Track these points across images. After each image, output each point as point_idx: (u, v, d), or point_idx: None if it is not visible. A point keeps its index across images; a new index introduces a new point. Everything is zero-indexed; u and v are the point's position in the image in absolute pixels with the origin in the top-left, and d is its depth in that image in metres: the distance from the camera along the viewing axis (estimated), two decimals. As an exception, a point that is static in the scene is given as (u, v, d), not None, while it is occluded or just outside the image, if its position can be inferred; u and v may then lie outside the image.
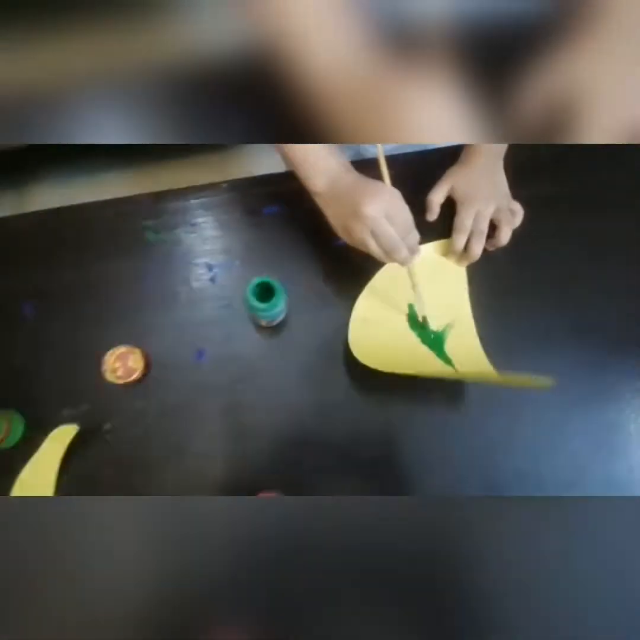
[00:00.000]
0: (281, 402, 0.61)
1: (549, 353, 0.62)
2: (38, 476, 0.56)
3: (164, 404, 0.61)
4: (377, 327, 0.62)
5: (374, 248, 0.53)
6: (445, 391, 0.61)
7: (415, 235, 0.55)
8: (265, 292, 0.58)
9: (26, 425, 0.59)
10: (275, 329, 0.64)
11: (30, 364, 0.62)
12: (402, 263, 0.55)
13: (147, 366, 0.62)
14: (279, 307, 0.58)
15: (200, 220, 0.68)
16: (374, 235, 0.52)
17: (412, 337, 0.63)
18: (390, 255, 0.54)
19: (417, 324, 0.63)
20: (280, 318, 0.62)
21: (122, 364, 0.61)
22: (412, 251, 0.55)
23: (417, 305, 0.62)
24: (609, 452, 0.59)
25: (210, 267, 0.66)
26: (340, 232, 0.56)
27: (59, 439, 0.56)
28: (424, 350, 0.63)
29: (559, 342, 0.62)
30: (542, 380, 0.47)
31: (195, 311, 0.64)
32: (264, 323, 0.62)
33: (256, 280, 0.56)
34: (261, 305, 0.56)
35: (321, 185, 0.55)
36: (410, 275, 0.59)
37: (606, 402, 0.61)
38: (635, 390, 0.61)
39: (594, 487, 0.58)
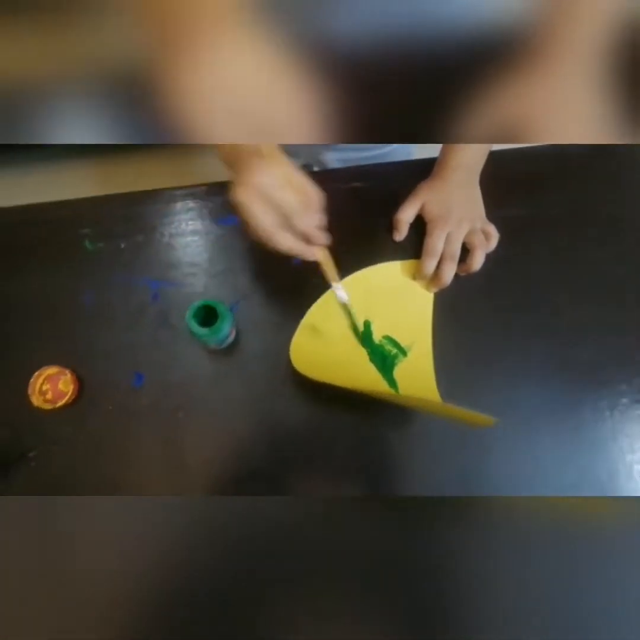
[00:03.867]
0: (226, 431, 0.56)
1: (515, 389, 0.58)
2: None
3: (96, 432, 0.56)
4: (325, 337, 0.58)
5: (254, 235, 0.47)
6: (396, 417, 0.57)
7: (313, 220, 0.48)
8: (208, 316, 0.53)
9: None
10: (223, 352, 0.59)
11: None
12: (292, 252, 0.48)
13: (79, 390, 0.56)
14: (223, 332, 0.53)
15: (146, 230, 0.62)
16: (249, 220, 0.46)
17: (361, 353, 0.59)
18: (269, 239, 0.46)
19: (370, 340, 0.59)
20: (229, 341, 0.57)
21: (51, 386, 0.55)
22: (307, 239, 0.48)
23: (352, 319, 0.58)
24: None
25: (153, 283, 0.60)
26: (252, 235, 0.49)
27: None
28: (371, 369, 0.59)
29: (526, 379, 0.58)
30: (484, 418, 0.44)
31: (134, 331, 0.58)
32: (211, 347, 0.57)
33: (197, 303, 0.51)
34: (203, 331, 0.51)
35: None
36: (328, 276, 0.54)
37: (578, 443, 0.57)
38: (609, 423, 0.58)
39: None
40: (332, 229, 0.50)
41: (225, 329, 0.53)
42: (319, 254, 0.51)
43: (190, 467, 0.55)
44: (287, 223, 0.46)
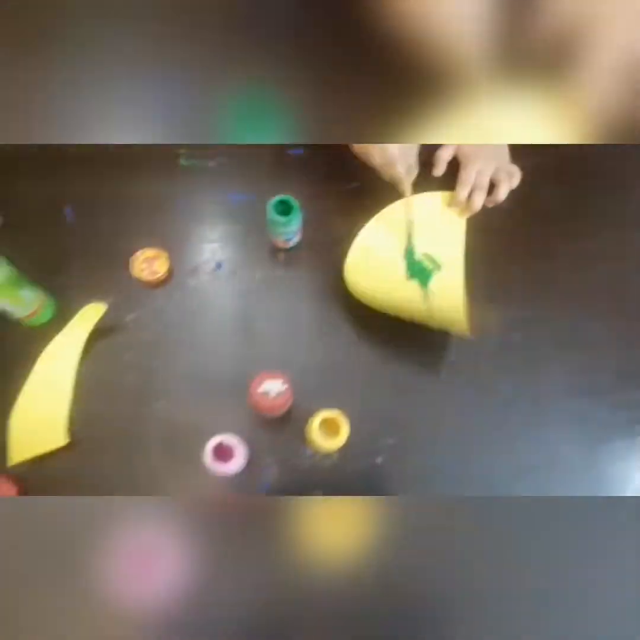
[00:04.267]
0: (286, 315, 0.68)
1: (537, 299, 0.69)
2: (64, 348, 0.62)
3: (181, 305, 0.67)
4: (375, 255, 0.69)
5: (377, 158, 0.62)
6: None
7: (413, 156, 0.64)
8: (284, 211, 0.65)
9: (56, 309, 0.65)
10: (286, 256, 0.71)
11: (66, 259, 0.68)
12: (396, 179, 0.63)
13: (171, 271, 0.68)
14: (294, 223, 0.65)
15: (230, 153, 0.76)
16: (379, 147, 0.61)
17: (403, 273, 0.70)
18: (389, 167, 0.62)
19: (412, 255, 0.70)
20: (295, 240, 0.69)
21: (148, 265, 0.68)
22: (408, 172, 0.64)
23: (410, 238, 0.69)
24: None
25: (234, 196, 0.73)
26: (355, 148, 0.65)
27: (87, 316, 0.62)
28: (411, 288, 0.69)
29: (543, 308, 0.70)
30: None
31: (218, 230, 0.71)
32: (280, 242, 0.69)
33: (277, 198, 0.64)
34: (281, 219, 0.63)
35: None
36: (407, 205, 0.67)
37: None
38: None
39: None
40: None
41: (296, 222, 0.65)
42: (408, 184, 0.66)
43: (255, 338, 0.66)
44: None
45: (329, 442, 0.56)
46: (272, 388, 0.55)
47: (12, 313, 0.60)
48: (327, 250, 0.70)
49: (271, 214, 0.63)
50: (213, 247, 0.71)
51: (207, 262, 0.70)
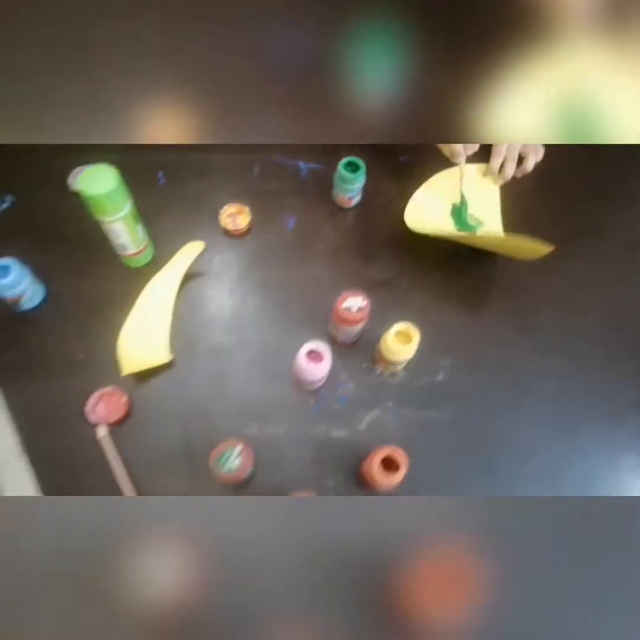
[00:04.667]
0: (353, 254, 0.79)
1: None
2: (167, 278, 0.71)
3: (259, 251, 0.78)
4: (428, 210, 0.81)
5: None
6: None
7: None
8: (352, 171, 0.76)
9: (155, 253, 0.76)
10: (348, 214, 0.82)
11: (160, 215, 0.79)
12: (455, 153, 0.76)
13: (251, 224, 0.79)
14: (360, 182, 0.77)
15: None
16: None
17: (451, 223, 0.82)
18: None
19: (457, 213, 0.82)
20: (357, 199, 0.81)
21: (232, 219, 0.78)
22: (466, 146, 0.77)
23: (462, 199, 0.81)
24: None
25: (303, 165, 0.86)
26: None
27: (188, 252, 0.72)
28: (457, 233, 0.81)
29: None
30: (543, 247, 0.65)
31: (291, 193, 0.83)
32: (345, 200, 0.80)
33: (347, 159, 0.76)
34: (349, 175, 0.75)
35: None
36: (461, 173, 0.79)
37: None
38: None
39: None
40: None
41: (361, 179, 0.77)
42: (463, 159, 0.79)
43: (324, 283, 0.76)
44: None
45: (403, 349, 0.65)
46: (354, 303, 0.65)
47: (126, 247, 0.70)
48: (383, 209, 0.82)
49: (341, 171, 0.75)
50: (287, 206, 0.82)
51: (280, 219, 0.81)
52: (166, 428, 0.66)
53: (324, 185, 0.82)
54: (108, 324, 0.70)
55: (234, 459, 0.58)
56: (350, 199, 0.80)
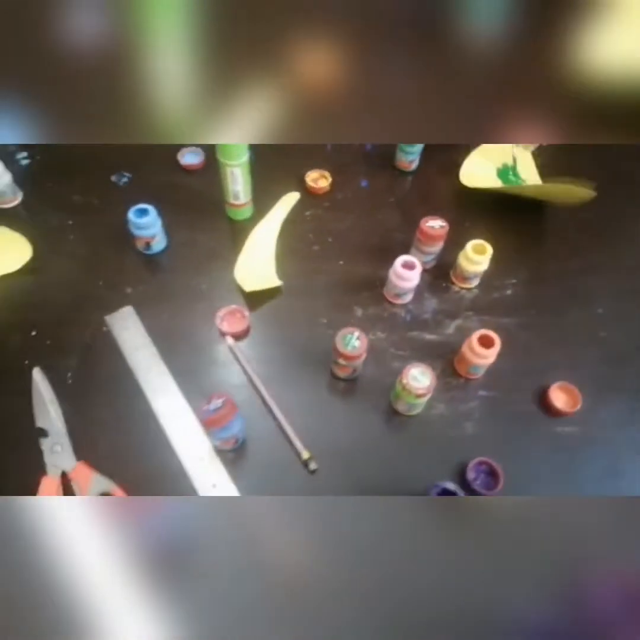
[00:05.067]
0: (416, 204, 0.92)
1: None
2: (271, 221, 0.84)
3: (340, 206, 0.92)
4: (478, 171, 0.96)
5: None
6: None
7: None
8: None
9: (254, 211, 0.89)
10: (408, 180, 0.97)
11: (255, 184, 0.93)
12: None
13: (332, 186, 0.93)
14: (418, 146, 0.92)
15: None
16: None
17: (499, 182, 0.96)
18: None
19: (504, 173, 0.97)
20: (416, 164, 0.96)
21: (314, 183, 0.93)
22: None
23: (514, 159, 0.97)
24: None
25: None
26: None
27: (287, 200, 0.85)
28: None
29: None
30: (587, 190, 0.79)
31: (360, 162, 0.98)
32: (405, 164, 0.95)
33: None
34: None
35: None
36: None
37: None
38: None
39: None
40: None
41: (419, 146, 0.92)
42: None
43: (397, 226, 0.89)
44: None
45: (480, 259, 0.77)
46: (435, 223, 0.78)
47: (238, 196, 0.83)
48: (440, 171, 0.97)
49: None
50: (359, 172, 0.97)
51: (355, 181, 0.95)
52: (281, 343, 0.76)
53: (386, 156, 0.98)
54: (222, 263, 0.82)
55: (355, 341, 0.68)
56: (411, 162, 0.95)
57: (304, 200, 0.92)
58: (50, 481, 0.62)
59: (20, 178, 0.89)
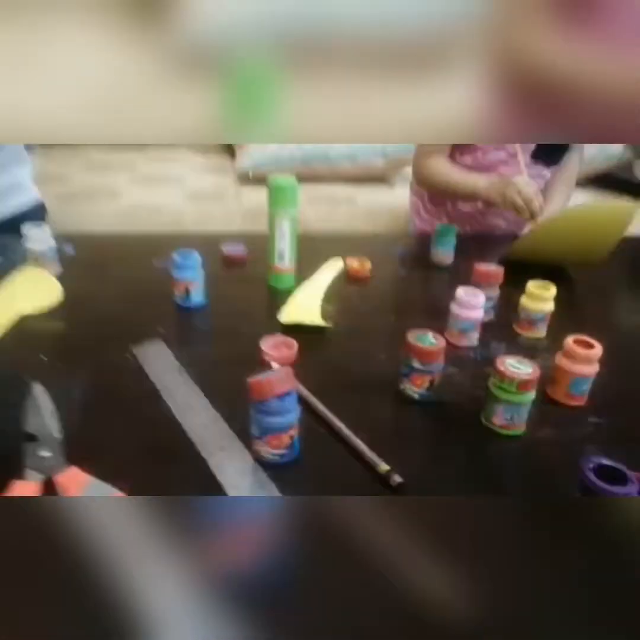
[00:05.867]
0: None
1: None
2: (314, 281, 0.80)
3: (378, 288, 0.90)
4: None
5: (519, 202, 0.97)
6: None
7: (541, 198, 0.99)
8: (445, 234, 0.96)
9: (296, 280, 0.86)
10: (447, 268, 0.98)
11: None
12: (534, 212, 0.97)
13: (371, 271, 0.93)
14: (453, 239, 0.96)
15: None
16: (519, 193, 0.97)
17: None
18: (528, 205, 0.97)
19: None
20: (451, 259, 0.98)
21: (354, 266, 0.93)
22: (540, 207, 0.98)
23: None
24: None
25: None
26: (499, 203, 1.01)
27: (330, 266, 0.83)
28: None
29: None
30: (628, 207, 0.82)
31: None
32: (445, 257, 0.97)
33: (440, 225, 0.96)
34: (446, 230, 0.94)
35: (483, 184, 1.05)
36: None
37: None
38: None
39: None
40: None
41: (453, 238, 0.96)
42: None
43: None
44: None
45: (545, 295, 0.72)
46: (490, 266, 0.75)
47: (283, 256, 0.81)
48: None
49: (439, 229, 0.95)
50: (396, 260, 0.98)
51: (393, 268, 0.96)
52: (334, 371, 0.65)
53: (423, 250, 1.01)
54: (262, 320, 0.76)
55: (431, 338, 0.57)
56: (446, 255, 0.97)
57: (342, 278, 0.90)
58: (24, 487, 0.43)
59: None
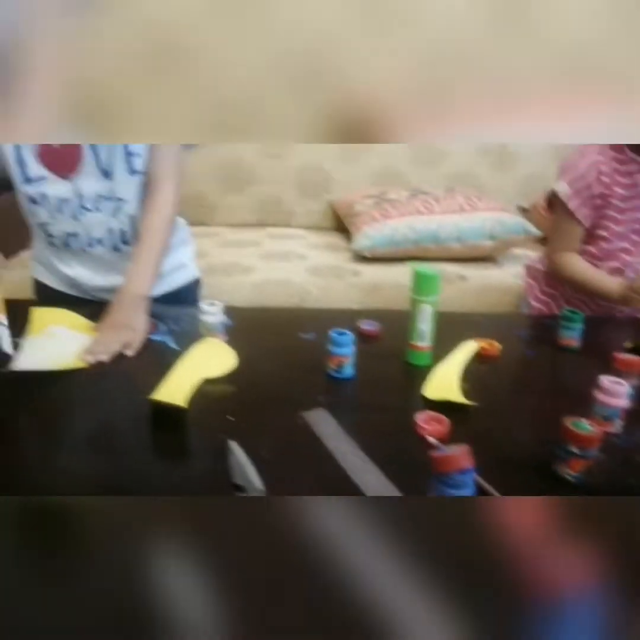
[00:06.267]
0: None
1: None
2: (452, 358, 0.87)
3: (507, 368, 0.94)
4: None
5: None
6: None
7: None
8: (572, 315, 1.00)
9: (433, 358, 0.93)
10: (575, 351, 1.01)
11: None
12: None
13: (500, 351, 0.98)
14: (580, 324, 0.99)
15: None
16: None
17: None
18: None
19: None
20: (578, 341, 1.01)
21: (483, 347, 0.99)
22: None
23: None
24: None
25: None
26: (633, 303, 1.09)
27: (465, 348, 0.90)
28: None
29: None
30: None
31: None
32: (572, 341, 1.01)
33: (566, 308, 1.01)
34: (573, 316, 0.99)
35: (615, 288, 1.12)
36: None
37: None
38: None
39: None
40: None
41: (581, 322, 0.99)
42: None
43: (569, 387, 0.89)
44: None
45: None
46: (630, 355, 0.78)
47: (423, 336, 0.90)
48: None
49: (565, 313, 0.99)
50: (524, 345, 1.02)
51: (522, 350, 1.00)
52: (481, 448, 0.70)
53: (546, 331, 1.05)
54: (400, 397, 0.83)
55: (588, 426, 0.61)
56: (573, 338, 1.01)
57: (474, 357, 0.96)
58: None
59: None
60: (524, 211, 2.33)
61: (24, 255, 1.79)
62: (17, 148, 0.97)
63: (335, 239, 2.17)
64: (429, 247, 1.81)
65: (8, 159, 0.98)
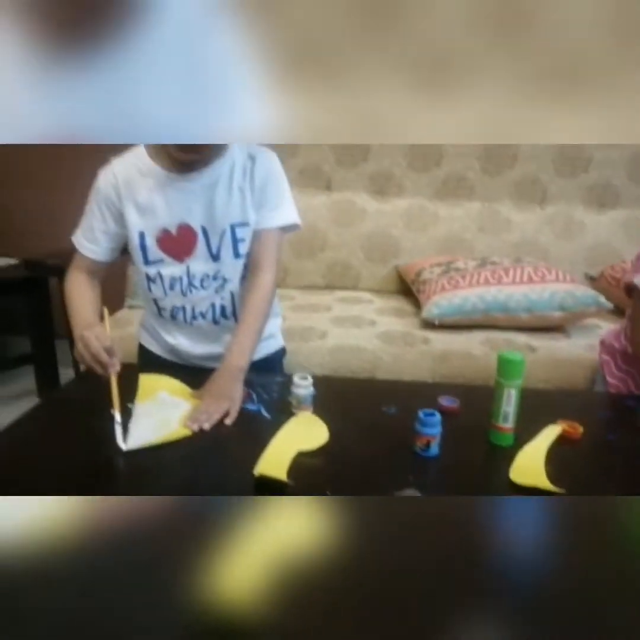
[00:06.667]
0: None
1: None
2: (535, 441, 0.90)
3: (592, 450, 0.95)
4: None
5: None
6: None
7: None
8: None
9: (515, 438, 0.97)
10: None
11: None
12: None
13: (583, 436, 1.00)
14: None
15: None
16: None
17: None
18: None
19: None
20: None
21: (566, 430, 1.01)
22: None
23: None
24: None
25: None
26: None
27: (549, 431, 0.93)
28: None
29: None
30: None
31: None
32: None
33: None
34: None
35: None
36: None
37: None
38: None
39: None
40: None
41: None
42: None
43: None
44: None
45: None
46: None
47: (507, 418, 0.93)
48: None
49: None
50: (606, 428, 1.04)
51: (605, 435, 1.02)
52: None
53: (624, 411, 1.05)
54: (485, 479, 0.87)
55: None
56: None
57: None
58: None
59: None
60: (592, 280, 2.33)
61: (119, 314, 1.97)
62: (142, 235, 1.11)
63: (401, 303, 2.25)
64: (497, 316, 1.84)
65: (132, 243, 1.13)
